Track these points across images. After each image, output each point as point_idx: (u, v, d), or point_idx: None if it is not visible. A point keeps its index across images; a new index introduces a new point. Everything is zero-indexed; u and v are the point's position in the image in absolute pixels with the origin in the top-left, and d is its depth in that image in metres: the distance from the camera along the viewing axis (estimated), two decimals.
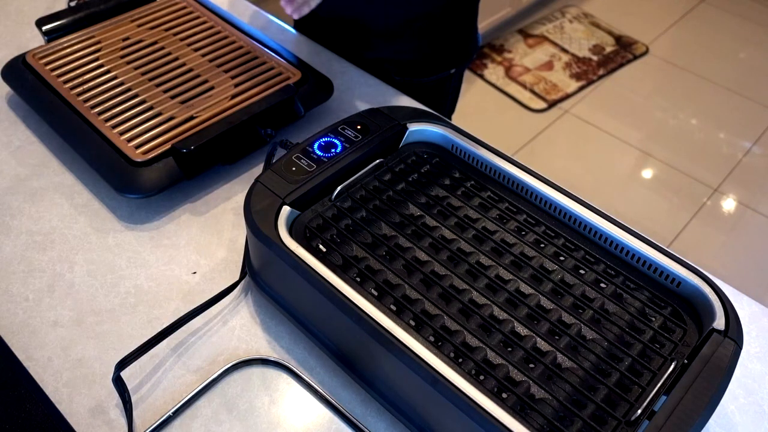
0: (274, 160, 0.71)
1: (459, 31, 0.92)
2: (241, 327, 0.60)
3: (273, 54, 0.82)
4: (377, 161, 0.63)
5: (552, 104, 2.25)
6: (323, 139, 0.63)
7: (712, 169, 2.06)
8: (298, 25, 0.97)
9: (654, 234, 1.64)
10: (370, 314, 0.48)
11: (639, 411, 0.45)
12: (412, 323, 0.50)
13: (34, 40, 0.89)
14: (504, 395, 0.46)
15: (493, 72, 2.35)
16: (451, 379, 0.45)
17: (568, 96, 2.28)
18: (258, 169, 0.74)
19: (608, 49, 2.48)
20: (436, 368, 0.46)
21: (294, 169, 0.60)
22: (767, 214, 1.93)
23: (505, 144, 2.08)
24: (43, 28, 0.81)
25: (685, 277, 0.54)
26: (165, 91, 0.75)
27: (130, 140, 0.69)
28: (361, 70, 0.88)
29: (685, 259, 0.55)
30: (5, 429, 0.52)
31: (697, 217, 1.91)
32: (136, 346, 0.55)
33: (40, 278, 0.63)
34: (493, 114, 2.22)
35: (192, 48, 0.82)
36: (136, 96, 0.74)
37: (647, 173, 2.05)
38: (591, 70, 2.38)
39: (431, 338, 0.49)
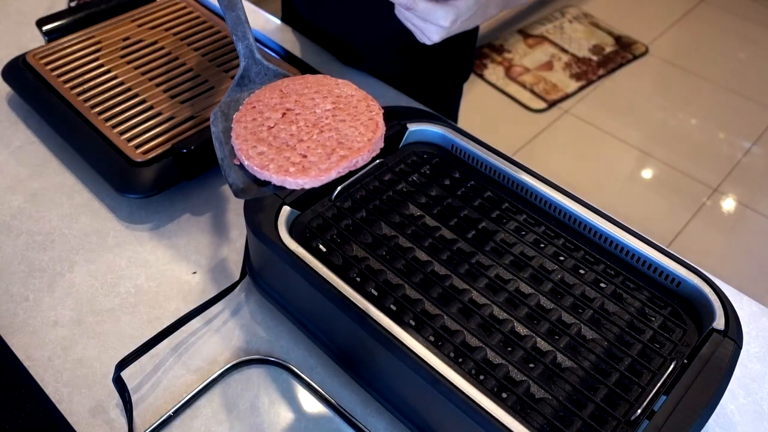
0: None
1: (457, 51, 0.90)
2: (241, 327, 0.60)
3: (272, 54, 0.82)
4: (377, 161, 0.63)
5: (552, 104, 2.25)
6: None
7: (712, 169, 2.06)
8: (296, 25, 0.97)
9: (654, 234, 1.64)
10: (370, 314, 0.48)
11: (639, 411, 0.45)
12: (412, 323, 0.50)
13: (35, 40, 0.89)
14: (504, 395, 0.46)
15: (493, 72, 2.35)
16: (451, 379, 0.45)
17: (567, 96, 2.28)
18: None
19: (608, 49, 2.48)
20: (436, 368, 0.46)
21: None
22: (767, 214, 1.93)
23: (505, 144, 2.08)
24: (44, 28, 0.81)
25: (684, 277, 0.54)
26: (165, 91, 0.75)
27: (130, 140, 0.69)
28: (360, 70, 0.88)
29: (685, 259, 0.55)
30: (5, 429, 0.52)
31: (697, 217, 1.91)
32: (136, 346, 0.55)
33: (40, 278, 0.63)
34: (493, 114, 2.22)
35: (192, 48, 0.82)
36: (136, 96, 0.74)
37: (647, 173, 2.05)
38: (591, 70, 2.38)
39: (431, 338, 0.49)
